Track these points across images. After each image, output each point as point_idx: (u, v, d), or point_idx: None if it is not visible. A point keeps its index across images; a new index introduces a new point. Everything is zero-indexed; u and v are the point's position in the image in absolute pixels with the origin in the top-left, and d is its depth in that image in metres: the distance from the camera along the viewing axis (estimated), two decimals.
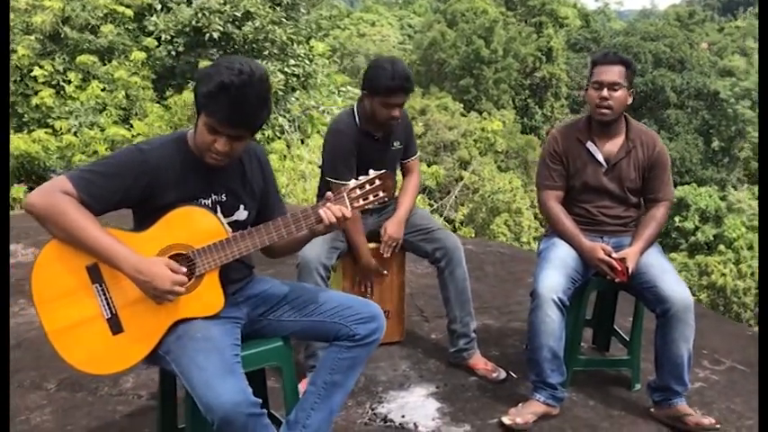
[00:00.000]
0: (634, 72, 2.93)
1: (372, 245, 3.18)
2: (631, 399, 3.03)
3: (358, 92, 15.62)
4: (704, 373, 3.33)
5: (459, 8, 31.30)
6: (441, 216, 11.83)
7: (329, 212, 2.05)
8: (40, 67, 11.24)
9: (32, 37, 11.47)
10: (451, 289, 3.14)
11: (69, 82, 11.27)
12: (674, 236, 27.28)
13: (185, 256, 1.96)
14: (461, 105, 27.10)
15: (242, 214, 2.15)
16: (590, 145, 2.95)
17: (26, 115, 11.18)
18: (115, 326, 1.92)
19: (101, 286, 1.90)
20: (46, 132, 10.52)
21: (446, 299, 3.18)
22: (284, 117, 11.97)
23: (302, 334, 2.24)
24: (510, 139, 25.94)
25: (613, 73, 2.83)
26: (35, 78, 11.16)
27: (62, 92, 11.25)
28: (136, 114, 11.39)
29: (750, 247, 26.81)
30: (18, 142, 10.10)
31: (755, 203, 28.49)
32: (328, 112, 12.51)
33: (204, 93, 1.91)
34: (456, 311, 3.16)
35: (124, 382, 3.00)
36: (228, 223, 2.11)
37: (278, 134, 11.59)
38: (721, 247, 26.29)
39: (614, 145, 2.94)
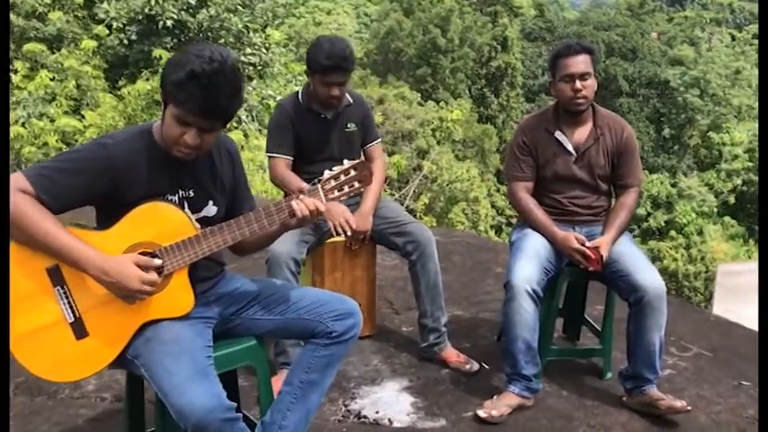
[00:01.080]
0: (598, 58, 2.92)
1: (339, 239, 3.11)
2: (603, 387, 3.03)
3: None
4: (672, 359, 3.36)
5: None
6: (402, 206, 11.82)
7: (302, 205, 1.97)
8: None
9: None
10: (423, 282, 3.10)
11: (16, 71, 10.89)
12: None
13: (152, 254, 1.86)
14: (419, 95, 27.04)
15: (211, 210, 2.05)
16: (558, 134, 2.93)
17: None
18: (79, 330, 1.81)
19: (62, 289, 1.80)
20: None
21: (417, 293, 3.14)
22: (240, 106, 11.75)
23: (277, 332, 2.17)
24: (467, 129, 26.01)
25: (581, 63, 2.81)
26: None
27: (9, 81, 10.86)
28: (87, 105, 11.07)
29: (700, 233, 27.53)
30: None
31: (704, 189, 29.24)
32: None
33: (173, 82, 1.81)
34: (427, 305, 3.11)
35: (86, 384, 2.89)
36: (197, 219, 2.01)
37: (235, 124, 11.38)
38: (672, 232, 26.95)
39: (582, 133, 2.93)
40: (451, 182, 20.61)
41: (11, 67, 10.99)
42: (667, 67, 34.24)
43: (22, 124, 10.30)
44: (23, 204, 1.73)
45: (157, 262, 1.84)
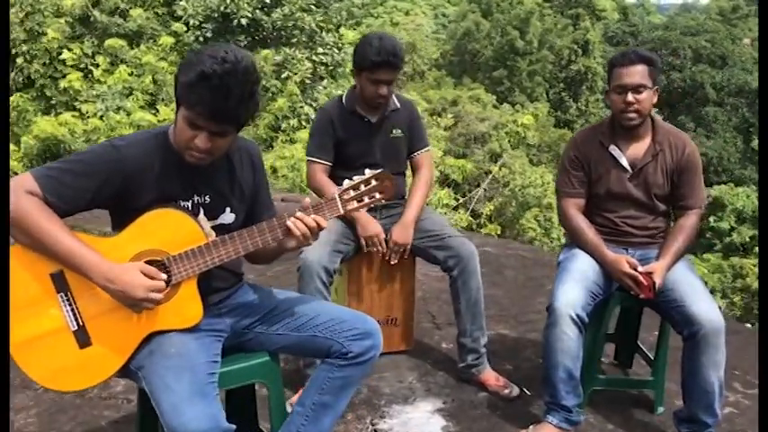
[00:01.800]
0: (658, 68, 2.69)
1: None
2: (654, 423, 2.80)
3: None
4: (735, 396, 3.09)
5: None
6: (467, 210, 11.57)
7: (300, 224, 1.86)
8: (69, 50, 11.25)
9: (62, 20, 11.47)
10: (463, 300, 2.94)
11: (97, 66, 11.27)
12: (708, 236, 26.62)
13: (159, 262, 1.79)
14: (494, 97, 26.71)
15: (228, 217, 1.97)
16: (613, 149, 2.72)
17: (54, 98, 11.21)
18: (82, 338, 1.76)
19: (66, 295, 1.74)
20: (73, 116, 10.53)
21: (457, 310, 2.98)
22: (311, 106, 11.80)
23: (291, 349, 2.07)
24: (543, 133, 25.47)
25: (636, 74, 2.60)
26: (64, 62, 11.18)
27: (90, 75, 11.25)
28: (162, 100, 11.34)
29: None
30: (45, 125, 10.11)
31: None
32: None
33: (184, 83, 1.73)
34: (466, 324, 2.96)
35: (115, 384, 2.87)
36: (213, 227, 1.94)
37: (304, 123, 11.43)
38: (757, 249, 25.59)
39: (640, 148, 2.71)
40: (524, 187, 20.16)
41: (93, 61, 11.40)
42: None
43: (100, 117, 10.65)
44: (29, 206, 1.68)
45: (164, 276, 1.77)
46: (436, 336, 3.50)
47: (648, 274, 2.56)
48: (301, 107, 11.57)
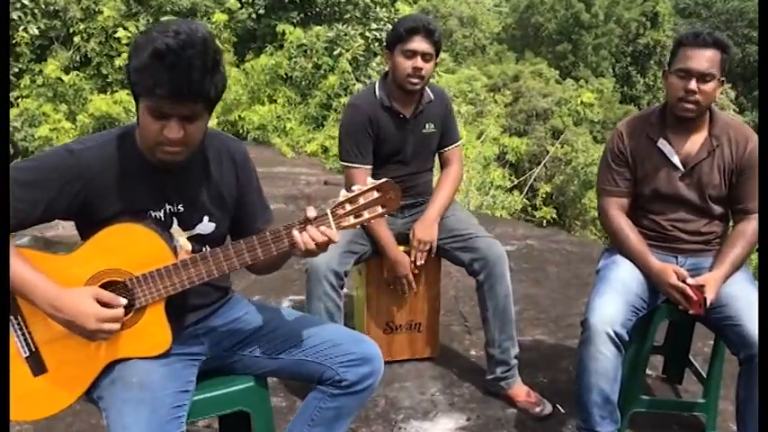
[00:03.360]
0: (731, 57, 2.32)
1: (401, 248, 2.75)
2: None
3: (445, 56, 14.97)
4: None
5: None
6: (522, 192, 11.16)
7: (306, 237, 1.61)
8: (125, 28, 11.27)
9: None
10: (490, 307, 2.68)
11: None
12: None
13: (121, 284, 1.59)
14: (557, 72, 25.92)
15: (207, 227, 1.75)
16: (663, 144, 2.39)
17: (110, 76, 11.27)
18: (36, 366, 1.58)
19: (16, 319, 1.56)
20: (128, 94, 10.58)
21: (484, 318, 2.72)
22: (363, 83, 11.55)
23: (280, 373, 1.86)
24: (608, 109, 24.60)
25: (705, 60, 2.25)
26: (119, 40, 11.20)
27: None
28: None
29: None
30: (100, 103, 10.20)
31: None
32: None
33: (137, 67, 1.48)
34: (494, 333, 2.69)
35: None
36: (190, 238, 1.72)
37: None
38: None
39: (694, 143, 2.38)
40: (587, 165, 19.55)
41: None
42: None
43: None
44: None
45: (123, 301, 1.56)
46: (466, 341, 3.24)
47: (699, 288, 2.24)
48: (353, 84, 11.32)
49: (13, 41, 10.10)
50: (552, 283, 4.00)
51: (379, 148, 2.74)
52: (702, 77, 2.26)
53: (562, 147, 19.19)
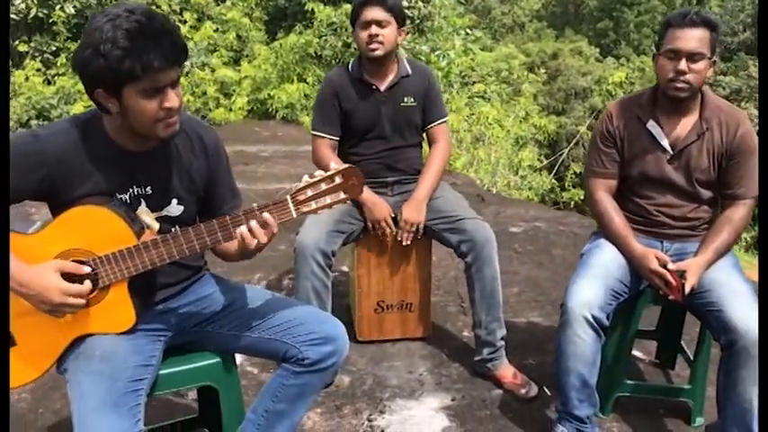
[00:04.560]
0: (719, 36, 2.28)
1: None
2: None
3: (482, 34, 14.66)
4: None
5: None
6: (553, 172, 11.00)
7: (245, 232, 1.64)
8: (158, 6, 11.39)
9: None
10: (477, 289, 2.68)
11: (185, 22, 11.35)
12: None
13: (85, 263, 1.64)
14: (597, 50, 25.45)
15: (176, 209, 1.79)
16: (652, 125, 2.35)
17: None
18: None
19: None
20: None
21: (472, 300, 2.73)
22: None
23: (245, 350, 1.90)
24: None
25: (694, 39, 2.21)
26: None
27: None
28: (246, 56, 11.36)
29: None
30: None
31: None
32: (445, 56, 11.80)
33: (117, 58, 1.50)
34: (481, 315, 2.70)
35: None
36: (159, 219, 1.77)
37: None
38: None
39: (684, 126, 2.34)
40: None
41: (180, 18, 11.50)
42: None
43: (186, 74, 10.78)
44: None
45: (86, 269, 1.62)
46: (460, 321, 3.25)
47: (681, 273, 2.21)
48: None
49: (50, 21, 10.30)
50: (556, 266, 3.97)
51: (350, 120, 2.79)
52: (692, 57, 2.22)
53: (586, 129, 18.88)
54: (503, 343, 2.74)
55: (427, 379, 2.78)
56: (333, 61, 11.05)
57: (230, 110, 10.16)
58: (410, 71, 2.81)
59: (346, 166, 1.67)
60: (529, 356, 2.94)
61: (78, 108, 9.87)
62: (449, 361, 2.90)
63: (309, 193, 1.65)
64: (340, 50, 10.98)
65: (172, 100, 1.60)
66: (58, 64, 10.60)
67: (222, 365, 1.86)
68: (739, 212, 2.32)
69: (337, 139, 2.79)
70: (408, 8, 12.28)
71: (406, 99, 2.80)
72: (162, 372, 1.76)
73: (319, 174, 1.66)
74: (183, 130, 1.80)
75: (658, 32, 2.41)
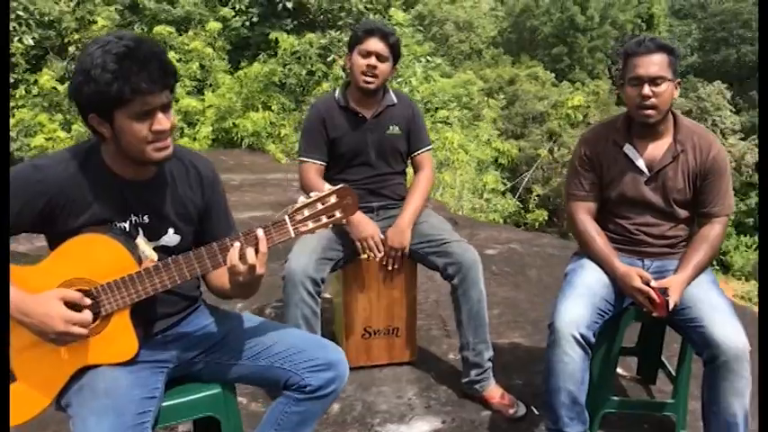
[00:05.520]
0: (678, 58, 2.40)
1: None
2: None
3: (441, 61, 14.84)
4: None
5: None
6: (515, 195, 11.21)
7: (233, 256, 1.64)
8: None
9: (112, 8, 11.59)
10: (464, 311, 2.73)
11: None
12: None
13: (87, 292, 1.64)
14: (553, 75, 26.00)
15: (172, 239, 1.81)
16: (628, 149, 2.45)
17: None
18: None
19: None
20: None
21: (458, 321, 2.77)
22: None
23: (246, 380, 1.90)
24: (604, 111, 24.65)
25: (653, 64, 2.31)
26: None
27: None
28: (210, 86, 11.35)
29: None
30: None
31: None
32: (407, 83, 11.97)
33: (107, 82, 1.54)
34: (469, 337, 2.74)
35: None
36: (156, 249, 1.78)
37: None
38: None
39: (659, 148, 2.44)
40: None
41: None
42: None
43: None
44: None
45: (88, 301, 1.62)
46: (445, 345, 3.29)
47: (663, 290, 2.29)
48: None
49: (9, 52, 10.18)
50: (532, 286, 4.05)
51: (337, 147, 2.83)
52: (654, 81, 2.33)
53: (559, 149, 19.25)
54: (490, 364, 2.78)
55: (416, 403, 2.80)
56: (297, 89, 11.13)
57: (195, 139, 10.11)
58: (395, 100, 2.88)
59: (341, 186, 1.71)
60: (514, 377, 2.98)
61: (39, 140, 9.74)
62: (436, 384, 2.93)
63: (306, 213, 1.69)
64: (304, 79, 11.07)
65: (162, 123, 1.62)
66: (17, 96, 10.45)
67: (223, 396, 1.86)
68: (715, 230, 2.42)
69: (324, 164, 2.83)
70: None
71: (391, 127, 2.86)
72: (164, 404, 1.76)
73: (315, 194, 1.70)
74: (180, 161, 1.83)
75: (621, 64, 2.49)
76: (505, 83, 24.47)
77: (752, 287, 17.73)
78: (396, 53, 2.78)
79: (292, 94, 11.19)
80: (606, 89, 27.02)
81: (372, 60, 2.72)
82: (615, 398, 2.62)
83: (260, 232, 1.66)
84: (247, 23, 11.90)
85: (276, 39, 11.00)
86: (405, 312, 2.97)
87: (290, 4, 11.62)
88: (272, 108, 10.86)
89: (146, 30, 11.61)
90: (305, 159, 2.83)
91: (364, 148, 2.83)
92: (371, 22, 2.98)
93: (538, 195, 10.62)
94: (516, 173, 16.01)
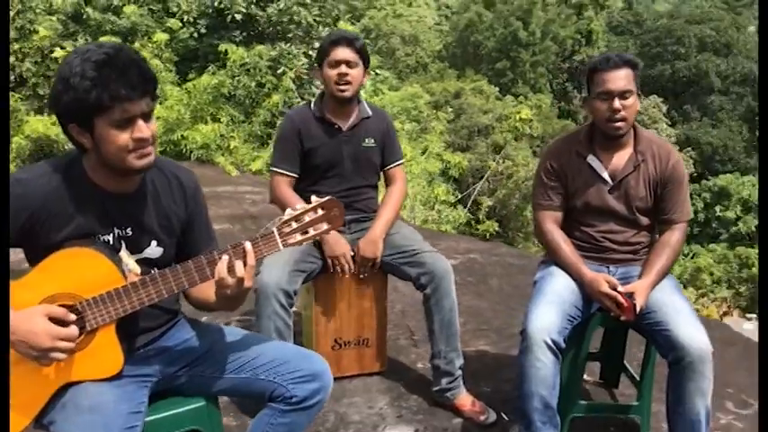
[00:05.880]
0: (640, 71, 2.52)
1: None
2: None
3: (388, 74, 15.02)
4: (727, 418, 2.92)
5: None
6: (465, 207, 11.37)
7: (221, 269, 1.65)
8: (62, 48, 11.05)
9: (54, 17, 11.32)
10: (436, 320, 2.77)
11: None
12: (714, 225, 26.42)
13: (72, 308, 1.61)
14: (497, 89, 26.48)
15: (155, 251, 1.79)
16: (592, 159, 2.54)
17: (47, 97, 11.03)
18: None
19: None
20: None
21: (430, 330, 2.81)
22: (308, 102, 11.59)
23: (230, 392, 1.90)
24: (546, 124, 25.26)
25: (621, 79, 2.41)
26: (56, 60, 10.97)
27: None
28: (156, 97, 11.18)
29: None
30: (37, 125, 9.97)
31: None
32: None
33: (86, 89, 1.53)
34: (440, 346, 2.78)
35: None
36: (138, 261, 1.76)
37: None
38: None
39: (620, 159, 2.53)
40: (527, 179, 20.00)
41: None
42: None
43: None
44: None
45: (72, 317, 1.59)
46: (413, 354, 3.32)
47: (629, 295, 2.38)
48: (298, 102, 11.35)
49: None
50: (494, 295, 4.12)
51: (311, 158, 2.83)
52: (622, 95, 2.43)
53: (504, 162, 19.57)
54: (461, 372, 2.82)
55: (388, 413, 2.82)
56: (246, 101, 11.05)
57: None
58: (370, 113, 2.90)
59: (327, 198, 1.73)
60: (482, 384, 3.03)
61: None
62: (407, 393, 2.96)
63: (294, 225, 1.71)
64: (254, 91, 11.01)
65: (143, 130, 1.61)
66: None
67: (207, 409, 1.85)
68: (675, 236, 2.53)
69: (296, 176, 2.83)
70: None
71: (367, 140, 2.88)
72: (147, 419, 1.73)
73: (301, 207, 1.72)
74: (162, 172, 1.82)
75: (586, 78, 2.58)
76: (451, 96, 24.78)
77: (689, 294, 18.36)
78: (365, 57, 2.80)
79: (241, 106, 11.11)
80: (548, 103, 27.69)
81: (343, 69, 2.74)
82: (583, 402, 2.70)
83: (248, 245, 1.67)
84: (195, 35, 11.76)
85: (226, 50, 10.91)
86: (375, 323, 2.99)
87: (239, 16, 11.54)
88: (221, 120, 10.76)
89: (90, 41, 11.38)
90: (276, 170, 2.83)
91: (340, 160, 2.84)
92: (336, 32, 3.02)
93: (489, 206, 10.77)
94: (462, 185, 16.23)
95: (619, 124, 2.45)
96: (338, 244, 2.75)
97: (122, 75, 1.55)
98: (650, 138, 2.57)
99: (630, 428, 2.75)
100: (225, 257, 1.65)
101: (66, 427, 1.57)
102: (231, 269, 1.65)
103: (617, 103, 2.42)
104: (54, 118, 9.52)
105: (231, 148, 10.56)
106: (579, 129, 2.67)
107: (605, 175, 2.54)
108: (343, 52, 2.74)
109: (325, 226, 1.73)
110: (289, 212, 1.72)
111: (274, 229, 1.70)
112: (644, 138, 2.55)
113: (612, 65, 2.44)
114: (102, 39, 10.94)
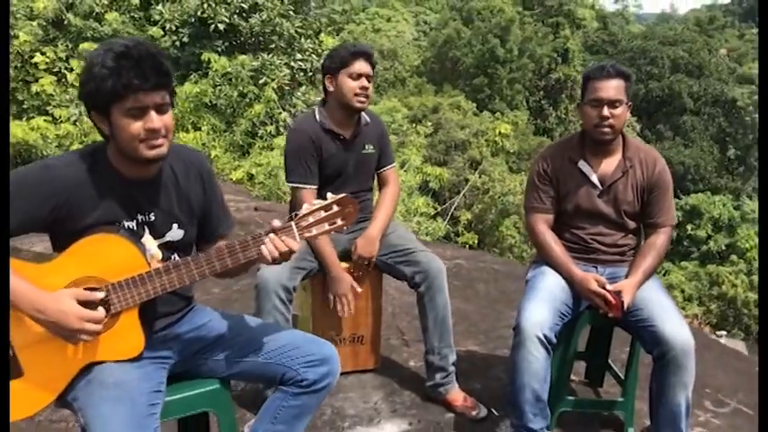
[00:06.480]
0: (632, 84, 2.66)
1: (343, 264, 2.90)
2: None
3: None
4: (705, 415, 3.04)
5: (476, 6, 30.84)
6: (445, 219, 11.53)
7: (271, 247, 1.76)
8: (42, 53, 11.03)
9: (35, 23, 11.26)
10: (431, 318, 2.86)
11: (71, 70, 11.03)
12: (685, 244, 26.85)
13: (98, 291, 1.68)
14: (474, 105, 26.76)
15: (176, 234, 1.87)
16: (582, 164, 2.67)
17: (26, 102, 10.98)
18: (13, 369, 1.65)
19: None
20: (45, 120, 10.32)
21: (424, 327, 2.90)
22: (288, 112, 11.68)
23: (243, 376, 1.98)
24: (522, 141, 25.57)
25: (612, 88, 2.55)
26: (36, 65, 10.95)
27: (63, 79, 11.02)
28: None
29: None
30: (16, 130, 9.90)
31: None
32: None
33: (103, 77, 1.63)
34: (434, 342, 2.88)
35: None
36: (161, 245, 1.84)
37: (281, 129, 11.30)
38: (733, 257, 25.83)
39: (610, 164, 2.67)
40: (504, 194, 20.26)
41: (66, 65, 11.18)
42: (735, 86, 32.98)
43: (74, 122, 10.45)
44: None
45: (100, 295, 1.67)
46: (404, 353, 3.41)
47: (617, 293, 2.50)
48: (279, 113, 11.44)
49: None
50: (481, 299, 4.24)
51: (323, 168, 2.88)
52: (612, 104, 2.56)
53: (480, 177, 19.80)
54: (454, 368, 2.92)
55: (382, 407, 2.91)
56: (228, 111, 11.10)
57: None
58: (368, 119, 2.98)
59: (342, 195, 1.83)
60: (473, 382, 3.13)
61: None
62: (400, 389, 3.04)
63: (311, 219, 1.80)
64: (235, 100, 11.07)
65: (154, 121, 1.69)
66: None
67: (221, 392, 1.93)
68: (660, 239, 2.66)
69: (317, 187, 2.84)
70: (302, 60, 12.60)
71: (366, 146, 2.96)
72: (165, 399, 1.80)
73: (318, 202, 1.81)
74: (178, 156, 1.90)
75: (581, 86, 2.72)
76: (429, 111, 24.98)
77: None
78: (374, 71, 2.89)
79: (223, 115, 11.15)
80: (525, 119, 28.02)
81: (364, 82, 2.79)
82: (571, 398, 2.81)
83: (270, 237, 1.76)
84: (177, 43, 11.79)
85: (208, 59, 10.97)
86: (370, 321, 3.08)
87: (221, 26, 11.59)
88: (203, 129, 10.79)
89: (70, 47, 11.37)
90: (301, 186, 2.82)
91: (345, 168, 2.90)
92: (354, 43, 3.10)
93: (467, 219, 10.94)
94: (439, 198, 16.40)
95: (605, 130, 2.58)
96: (343, 283, 2.82)
97: (137, 65, 1.64)
98: (638, 145, 2.71)
99: (614, 423, 2.86)
100: (264, 248, 1.76)
101: (92, 401, 1.64)
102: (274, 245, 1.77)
103: (606, 110, 2.55)
104: (32, 123, 9.48)
105: (212, 157, 10.58)
106: (571, 136, 2.80)
107: (595, 180, 2.66)
108: (363, 66, 2.79)
109: (339, 221, 1.82)
110: (306, 207, 1.81)
111: (292, 223, 1.79)
112: (632, 145, 2.68)
113: (606, 74, 2.57)
114: (83, 46, 10.94)
